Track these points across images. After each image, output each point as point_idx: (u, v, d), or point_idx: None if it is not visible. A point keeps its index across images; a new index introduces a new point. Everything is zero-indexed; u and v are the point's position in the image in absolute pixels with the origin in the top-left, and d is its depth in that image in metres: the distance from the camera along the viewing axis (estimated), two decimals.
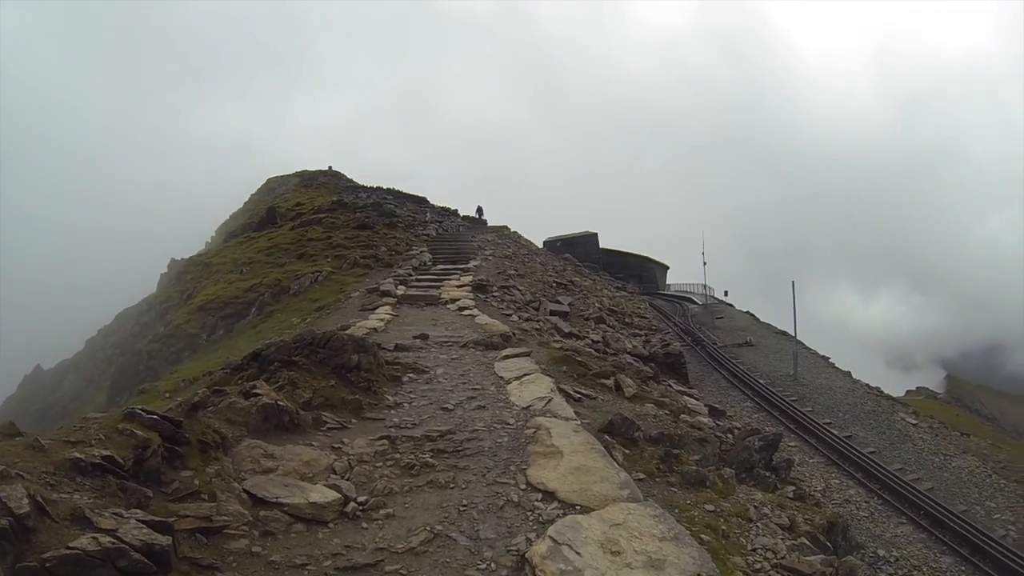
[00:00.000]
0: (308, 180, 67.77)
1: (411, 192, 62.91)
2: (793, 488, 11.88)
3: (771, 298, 61.48)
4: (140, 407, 6.59)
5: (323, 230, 40.93)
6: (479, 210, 59.60)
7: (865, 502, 19.41)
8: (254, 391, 8.24)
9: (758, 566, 6.50)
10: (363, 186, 64.28)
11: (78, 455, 5.27)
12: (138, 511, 4.92)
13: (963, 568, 16.15)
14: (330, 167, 73.51)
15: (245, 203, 73.50)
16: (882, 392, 31.99)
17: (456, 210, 59.36)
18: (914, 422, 26.86)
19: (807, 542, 7.97)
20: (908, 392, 44.82)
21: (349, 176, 70.47)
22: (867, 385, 32.51)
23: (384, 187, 63.91)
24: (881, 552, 16.17)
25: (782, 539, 7.45)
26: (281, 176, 74.30)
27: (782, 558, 6.75)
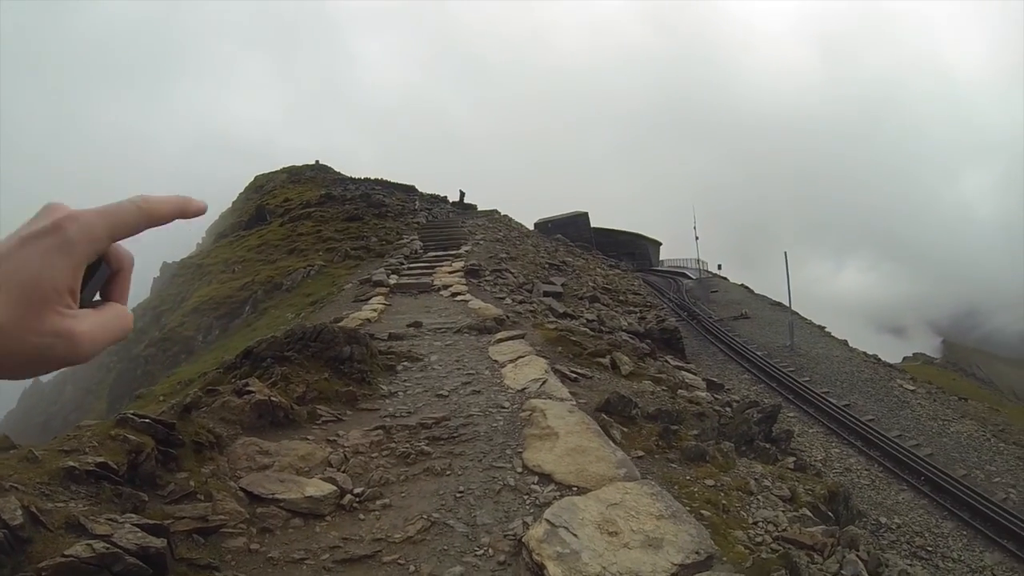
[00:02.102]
0: (296, 175, 67.34)
1: (399, 181, 62.77)
2: (793, 459, 11.93)
3: (747, 270, 61.76)
4: (132, 412, 6.60)
5: (313, 224, 40.80)
6: (461, 194, 59.47)
7: (865, 470, 19.35)
8: (247, 389, 8.23)
9: (759, 539, 6.51)
10: (351, 178, 64.00)
11: (72, 463, 5.28)
12: (133, 515, 4.93)
13: (964, 532, 16.11)
14: (317, 161, 73.06)
15: (233, 202, 73.14)
16: (879, 359, 31.88)
17: (446, 197, 59.21)
18: (912, 388, 26.78)
19: (809, 513, 7.98)
20: (905, 359, 44.77)
21: (336, 169, 70.22)
22: (864, 353, 32.40)
23: (372, 178, 63.72)
24: (883, 519, 16.17)
25: (783, 511, 7.46)
26: (268, 173, 73.86)
27: (783, 530, 6.76)
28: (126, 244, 0.91)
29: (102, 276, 0.92)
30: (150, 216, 0.90)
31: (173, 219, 0.95)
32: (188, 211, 0.96)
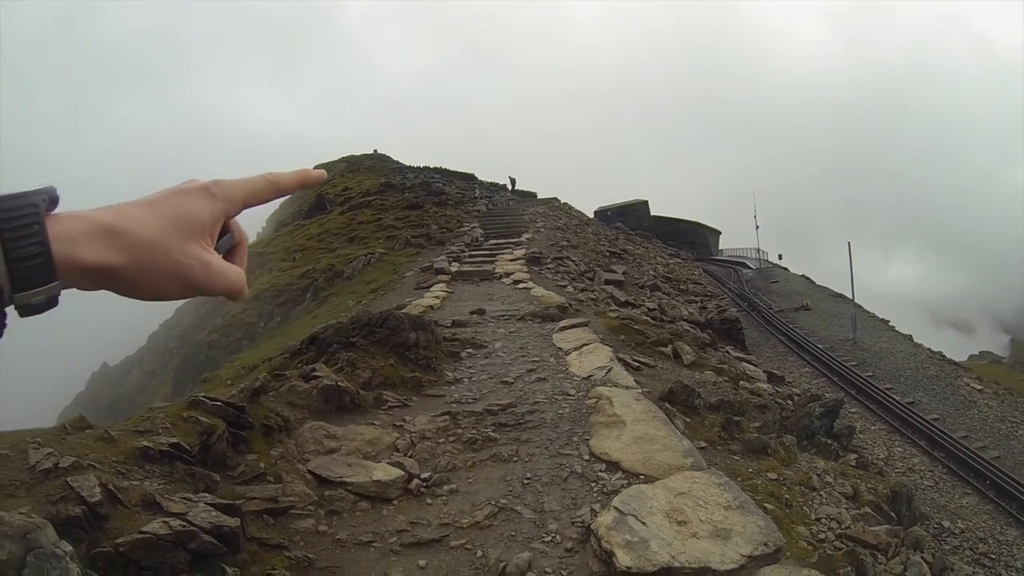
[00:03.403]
0: (354, 164, 67.83)
1: (459, 169, 62.89)
2: (855, 456, 11.69)
3: (789, 260, 60.45)
4: (204, 395, 6.69)
5: (373, 212, 41.00)
6: (512, 181, 59.38)
7: (929, 471, 18.81)
8: (314, 374, 8.29)
9: (822, 536, 6.37)
10: (409, 166, 64.31)
11: (146, 444, 5.35)
12: (206, 495, 4.99)
13: None
14: (375, 150, 73.54)
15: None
16: (944, 356, 30.89)
17: (505, 184, 59.14)
18: (979, 388, 25.89)
19: (871, 511, 7.83)
20: (971, 357, 43.55)
21: (395, 158, 70.60)
22: (929, 349, 31.46)
23: (431, 166, 63.92)
24: (946, 523, 15.71)
25: (846, 508, 7.30)
26: (327, 163, 74.57)
27: (847, 528, 6.61)
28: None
29: (227, 243, 1.03)
30: (276, 186, 1.05)
31: (296, 189, 1.09)
32: (309, 180, 1.10)
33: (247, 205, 1.03)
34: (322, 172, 1.13)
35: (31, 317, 0.80)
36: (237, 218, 1.05)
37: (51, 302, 0.81)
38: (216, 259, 0.96)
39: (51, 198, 0.82)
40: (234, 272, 1.00)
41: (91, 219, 0.85)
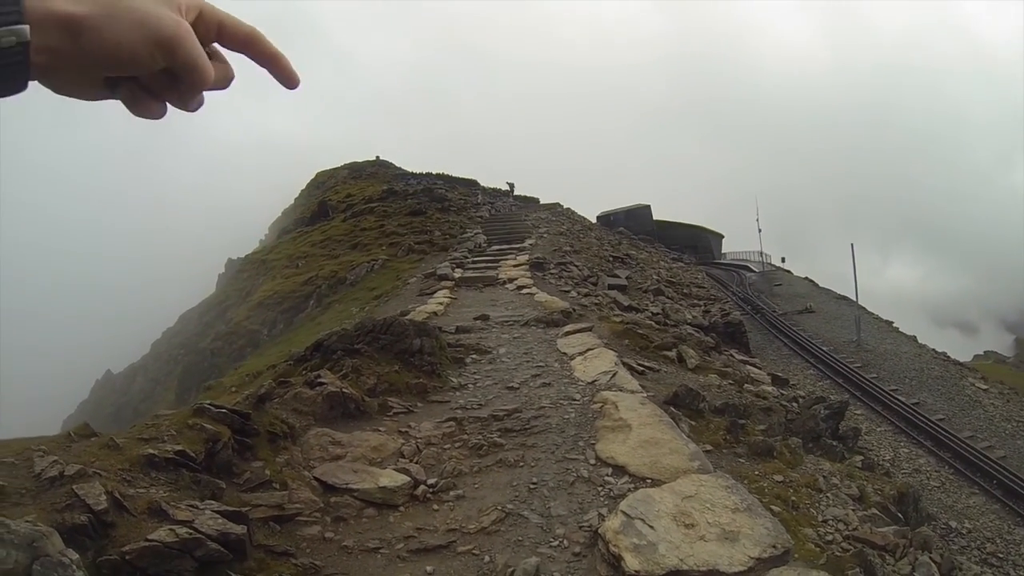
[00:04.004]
0: (357, 171, 68.11)
1: (461, 176, 63.08)
2: (861, 457, 11.68)
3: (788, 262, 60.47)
4: (209, 402, 6.67)
5: (375, 219, 41.13)
6: (511, 186, 59.54)
7: (935, 471, 18.80)
8: (319, 380, 8.28)
9: (830, 537, 6.35)
10: (412, 173, 64.48)
11: (152, 451, 5.34)
12: (212, 502, 4.98)
13: None
14: (377, 157, 73.77)
15: (296, 199, 74.26)
16: (949, 357, 30.87)
17: (507, 190, 59.28)
18: (984, 387, 25.86)
19: (878, 512, 7.80)
20: (976, 357, 43.46)
21: (397, 164, 70.78)
22: (933, 350, 31.43)
23: (433, 172, 64.08)
24: (953, 524, 15.67)
25: (853, 510, 7.27)
26: (330, 169, 74.75)
27: (854, 529, 6.58)
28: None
29: None
30: (256, 38, 1.04)
31: (268, 63, 1.06)
32: (281, 65, 1.07)
33: (222, 31, 1.01)
34: (296, 77, 1.08)
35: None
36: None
37: (19, 70, 0.80)
38: (193, 33, 0.93)
39: None
40: (207, 63, 0.96)
41: None
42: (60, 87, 0.89)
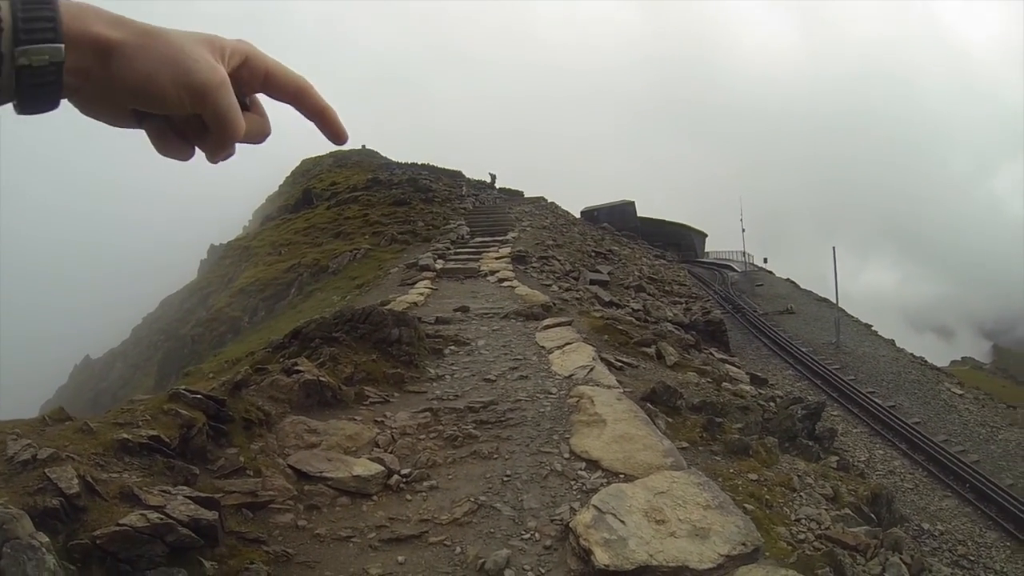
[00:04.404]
0: (342, 160, 67.72)
1: (446, 167, 62.95)
2: (837, 458, 11.77)
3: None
4: (184, 388, 6.66)
5: (359, 208, 40.96)
6: (492, 177, 59.54)
7: (910, 473, 18.99)
8: (296, 368, 8.29)
9: (802, 536, 6.41)
10: (397, 162, 64.28)
11: (126, 436, 5.34)
12: (185, 488, 4.98)
13: (1009, 544, 15.69)
14: (363, 145, 73.43)
15: (280, 186, 73.98)
16: (926, 362, 31.23)
17: (492, 182, 59.22)
18: (960, 392, 26.17)
19: (851, 513, 7.87)
20: (953, 362, 43.86)
21: (383, 154, 70.53)
22: (911, 354, 31.76)
23: (419, 163, 63.93)
24: (925, 525, 15.79)
25: (826, 509, 7.35)
26: (315, 157, 74.40)
27: (826, 528, 6.65)
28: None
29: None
30: (304, 91, 1.02)
31: (316, 115, 1.04)
32: (330, 120, 1.05)
33: (268, 81, 0.99)
34: (344, 132, 1.06)
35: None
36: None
37: (53, 89, 0.80)
38: (230, 84, 0.91)
39: None
40: (239, 114, 0.94)
41: (103, 8, 0.84)
42: (87, 109, 0.89)
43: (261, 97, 1.03)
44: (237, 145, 0.97)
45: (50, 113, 0.83)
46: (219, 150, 0.96)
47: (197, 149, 0.97)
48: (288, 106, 1.03)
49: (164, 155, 0.96)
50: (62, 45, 0.78)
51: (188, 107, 0.89)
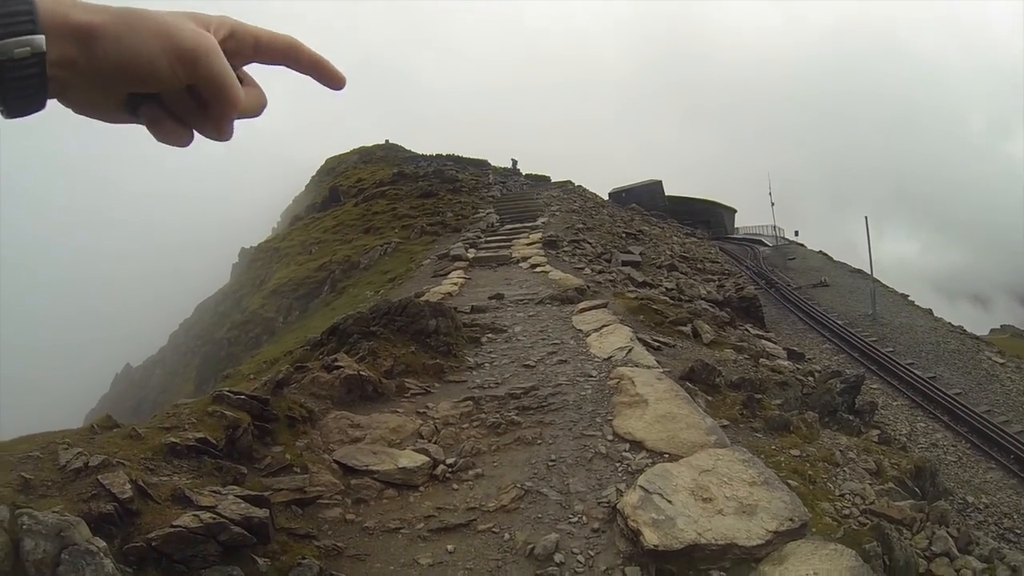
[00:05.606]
0: (366, 156, 67.95)
1: (471, 156, 62.95)
2: (878, 432, 11.61)
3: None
4: (228, 389, 6.72)
5: (387, 202, 41.04)
6: (514, 163, 59.50)
7: (952, 446, 18.65)
8: (336, 364, 8.33)
9: (847, 511, 6.34)
10: (422, 155, 64.35)
11: (173, 439, 5.40)
12: (235, 487, 5.03)
13: None
14: (387, 140, 73.63)
15: (306, 186, 74.27)
16: (965, 331, 30.47)
17: (518, 169, 59.19)
18: (1001, 361, 25.47)
19: (895, 487, 7.76)
20: (992, 331, 43.04)
21: (407, 147, 70.62)
22: (949, 324, 31.07)
23: (443, 154, 63.95)
24: (970, 499, 15.52)
25: (870, 484, 7.25)
26: (339, 155, 74.66)
27: (871, 503, 6.57)
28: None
29: None
30: (295, 48, 1.01)
31: (311, 69, 1.03)
32: (326, 69, 1.04)
33: (259, 46, 0.98)
34: (342, 76, 1.05)
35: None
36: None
37: (37, 84, 0.79)
38: (220, 49, 0.91)
39: None
40: (235, 81, 0.93)
41: None
42: (79, 105, 0.87)
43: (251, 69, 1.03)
44: (236, 138, 0.97)
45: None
46: (220, 122, 0.95)
47: (196, 134, 0.97)
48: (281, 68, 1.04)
49: (163, 142, 0.95)
50: (42, 36, 0.77)
51: (182, 77, 0.88)
